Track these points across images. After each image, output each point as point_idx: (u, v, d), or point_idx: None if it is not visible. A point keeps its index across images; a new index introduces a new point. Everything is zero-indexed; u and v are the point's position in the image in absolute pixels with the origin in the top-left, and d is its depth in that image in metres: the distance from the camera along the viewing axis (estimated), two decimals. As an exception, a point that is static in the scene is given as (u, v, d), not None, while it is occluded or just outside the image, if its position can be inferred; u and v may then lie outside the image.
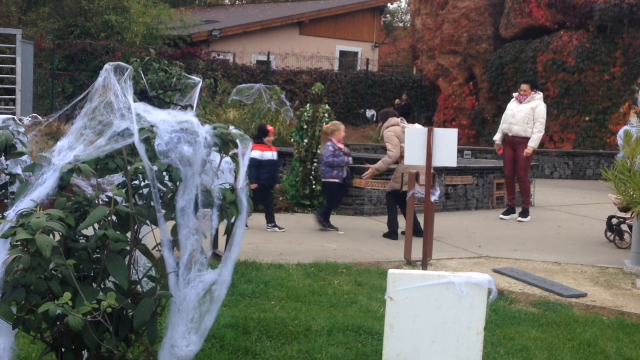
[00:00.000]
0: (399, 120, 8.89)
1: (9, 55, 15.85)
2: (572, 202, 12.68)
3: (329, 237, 8.65)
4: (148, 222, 3.25)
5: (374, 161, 9.55)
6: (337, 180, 9.03)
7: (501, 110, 10.70)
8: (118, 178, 3.40)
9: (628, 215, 8.18)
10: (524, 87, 10.40)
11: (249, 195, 3.37)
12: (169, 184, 3.26)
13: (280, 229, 8.80)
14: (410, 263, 7.22)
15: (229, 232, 3.40)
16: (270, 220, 8.87)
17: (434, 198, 7.26)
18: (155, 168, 3.11)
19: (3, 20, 20.33)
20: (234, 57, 22.82)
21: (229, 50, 22.94)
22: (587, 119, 18.25)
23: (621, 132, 6.95)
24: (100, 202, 3.20)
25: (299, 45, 24.20)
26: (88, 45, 19.46)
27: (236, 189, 3.32)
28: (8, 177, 3.59)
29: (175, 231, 3.18)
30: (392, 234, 8.67)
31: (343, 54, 26.38)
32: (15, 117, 3.79)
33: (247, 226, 3.87)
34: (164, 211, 3.16)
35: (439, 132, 6.77)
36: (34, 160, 3.22)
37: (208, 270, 3.24)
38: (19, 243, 2.86)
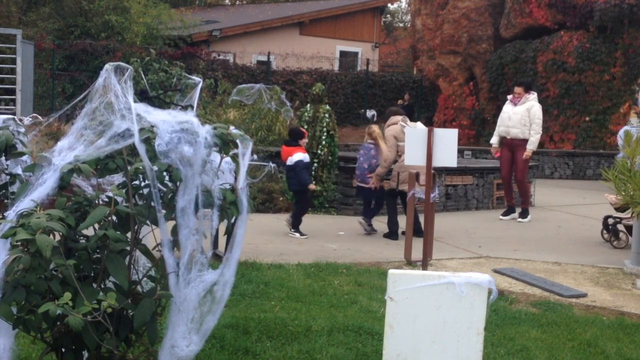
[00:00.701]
0: (399, 118, 8.87)
1: (9, 55, 15.84)
2: (572, 202, 12.68)
3: (329, 237, 8.65)
4: (148, 222, 3.25)
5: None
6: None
7: (501, 110, 10.70)
8: (118, 178, 3.40)
9: (624, 215, 8.19)
10: (518, 89, 10.40)
11: (248, 196, 3.37)
12: (169, 184, 3.26)
13: (302, 234, 8.55)
14: (410, 263, 7.22)
15: (229, 232, 3.40)
16: (295, 225, 8.64)
17: (432, 198, 7.26)
18: (155, 168, 3.11)
19: (3, 20, 20.33)
20: (234, 57, 22.81)
21: (229, 50, 22.94)
22: (587, 119, 18.25)
23: (621, 132, 6.96)
24: (100, 202, 3.20)
25: (299, 45, 24.20)
26: (88, 45, 19.45)
27: (236, 189, 3.32)
28: (8, 177, 3.59)
29: (175, 231, 3.18)
30: (392, 234, 8.67)
31: (343, 54, 26.37)
32: (15, 117, 3.79)
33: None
34: (164, 211, 3.16)
35: (439, 132, 6.77)
36: (34, 160, 3.22)
37: (208, 270, 3.24)
38: (19, 243, 2.86)
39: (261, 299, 5.59)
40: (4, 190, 3.58)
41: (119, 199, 3.16)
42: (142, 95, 8.83)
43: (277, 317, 5.03)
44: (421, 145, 6.72)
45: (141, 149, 3.07)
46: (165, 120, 3.16)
